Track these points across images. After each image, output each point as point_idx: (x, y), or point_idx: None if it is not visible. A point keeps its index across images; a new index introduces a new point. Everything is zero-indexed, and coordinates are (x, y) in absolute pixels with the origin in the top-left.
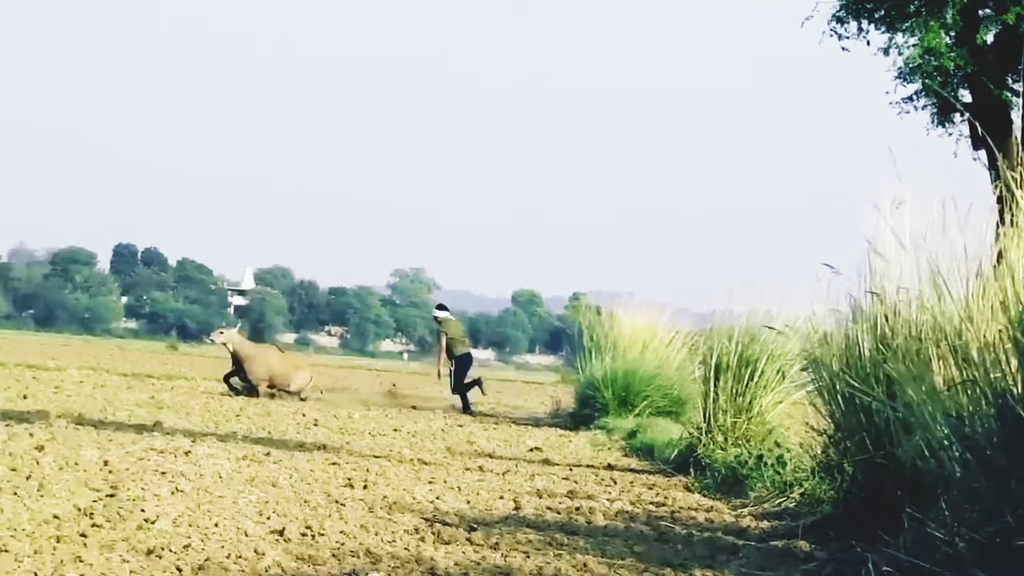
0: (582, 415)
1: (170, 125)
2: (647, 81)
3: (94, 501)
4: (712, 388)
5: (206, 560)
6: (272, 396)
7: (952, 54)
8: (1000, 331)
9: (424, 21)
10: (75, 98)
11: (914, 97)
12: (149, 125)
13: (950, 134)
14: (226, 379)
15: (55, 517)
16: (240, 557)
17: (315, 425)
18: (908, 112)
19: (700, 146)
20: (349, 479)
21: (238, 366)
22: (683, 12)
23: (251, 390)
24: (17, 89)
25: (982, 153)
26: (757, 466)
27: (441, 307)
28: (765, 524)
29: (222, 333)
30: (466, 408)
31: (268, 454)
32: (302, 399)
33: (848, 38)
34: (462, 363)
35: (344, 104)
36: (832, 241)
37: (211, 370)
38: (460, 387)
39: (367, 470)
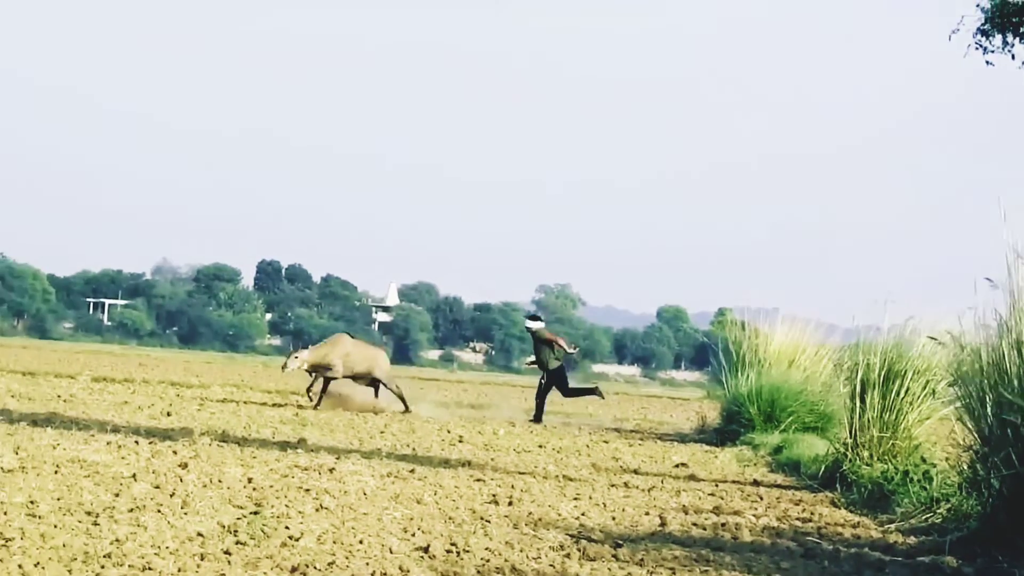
0: (728, 431)
1: (315, 143)
2: (801, 92)
3: (238, 518)
4: (858, 403)
5: None
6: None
7: None
8: None
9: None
10: (218, 118)
11: None
12: (293, 142)
13: None
14: (313, 393)
15: (199, 534)
16: (385, 574)
17: (460, 441)
18: None
19: (848, 160)
20: (494, 495)
21: (321, 372)
22: (843, 24)
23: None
24: (160, 108)
25: None
26: (903, 482)
27: (535, 317)
28: (912, 540)
29: (297, 358)
30: (538, 418)
31: (413, 471)
32: (392, 390)
33: (993, 51)
34: (554, 375)
35: (488, 119)
36: (972, 253)
37: (351, 387)
38: (540, 398)
39: (512, 486)
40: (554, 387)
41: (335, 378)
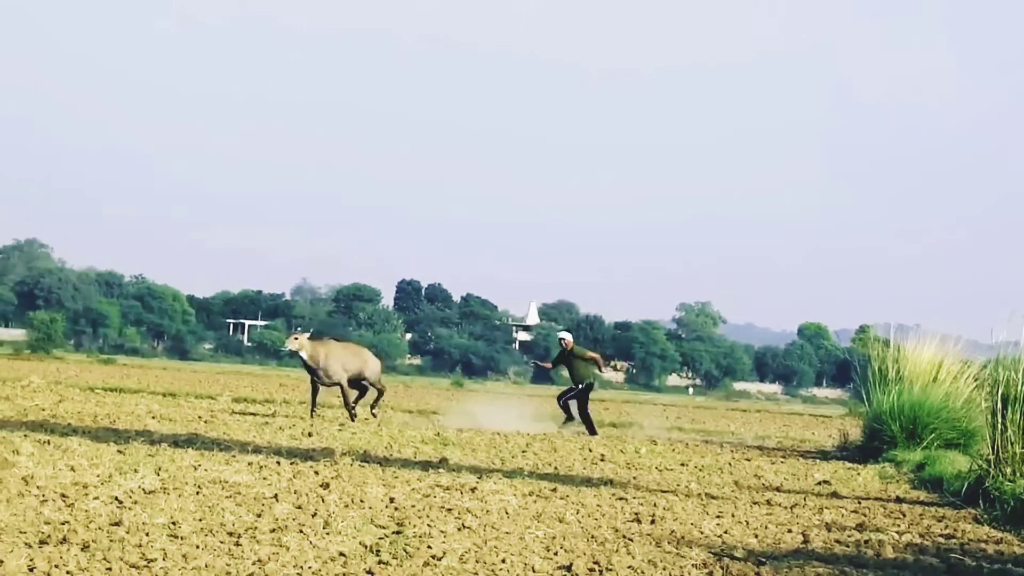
0: (870, 448)
1: (451, 164)
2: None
3: (380, 538)
4: (1000, 419)
5: None
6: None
7: None
8: None
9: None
10: (358, 142)
11: None
12: (431, 164)
13: None
14: (350, 409)
15: (341, 555)
16: None
17: (602, 460)
18: None
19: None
20: (636, 514)
21: (314, 372)
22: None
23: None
24: (301, 135)
25: None
26: None
27: (568, 330)
28: None
29: (296, 339)
30: (592, 429)
31: (555, 489)
32: (379, 389)
33: None
34: (587, 391)
35: (628, 137)
36: None
37: (496, 406)
38: (584, 414)
39: (654, 505)
40: (572, 399)
41: (329, 384)
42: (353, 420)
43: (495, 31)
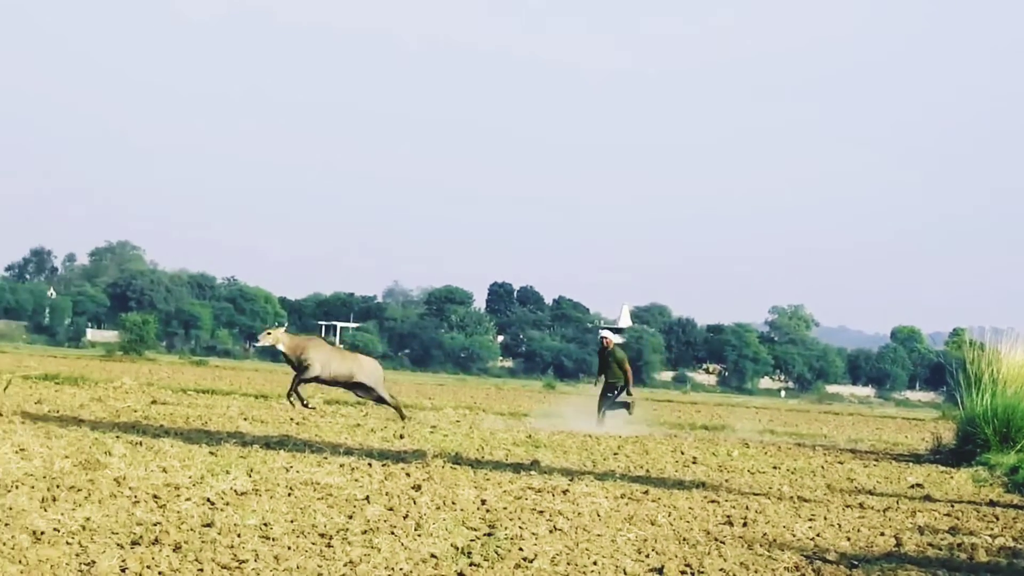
0: (963, 451)
1: (545, 167)
2: None
3: (472, 540)
4: None
5: None
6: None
7: None
8: None
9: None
10: (450, 144)
11: None
12: (523, 169)
13: None
14: (292, 391)
15: (432, 556)
16: None
17: (694, 463)
18: None
19: None
20: (728, 517)
21: (294, 364)
22: None
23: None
24: (392, 140)
25: None
26: None
27: (617, 331)
28: None
29: (269, 334)
30: (600, 415)
31: (646, 492)
32: (391, 403)
33: None
34: (611, 388)
35: (721, 143)
36: None
37: (588, 408)
38: (602, 402)
39: (746, 507)
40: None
41: (313, 379)
42: (290, 402)
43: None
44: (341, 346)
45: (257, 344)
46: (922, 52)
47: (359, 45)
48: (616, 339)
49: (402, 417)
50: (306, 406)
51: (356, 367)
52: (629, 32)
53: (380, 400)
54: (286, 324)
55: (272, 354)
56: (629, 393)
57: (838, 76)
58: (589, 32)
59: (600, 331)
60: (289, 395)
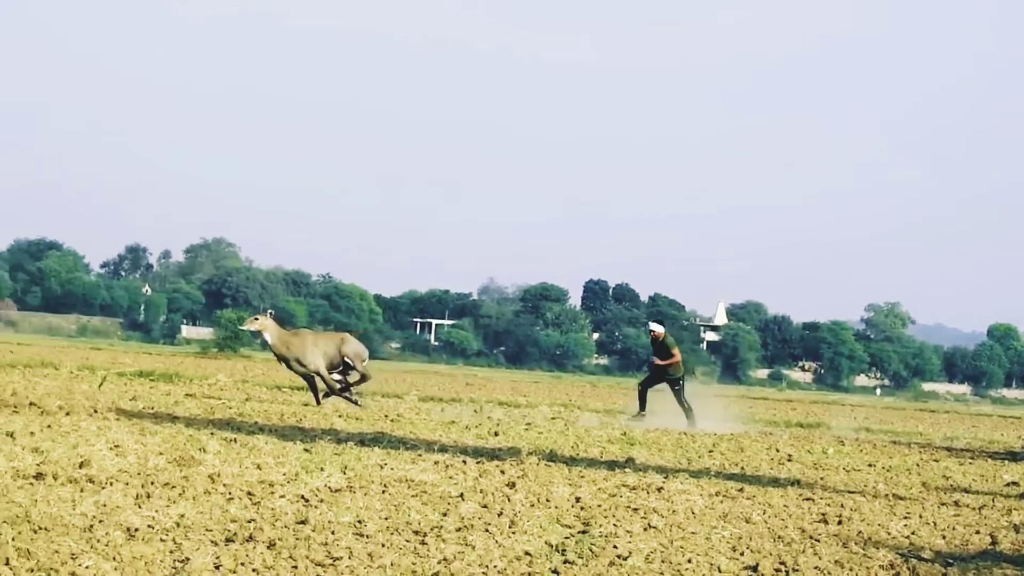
0: None
1: (640, 166)
2: None
3: (566, 538)
4: None
5: None
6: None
7: None
8: None
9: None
10: (548, 144)
11: None
12: (617, 165)
13: None
14: (341, 392)
15: (527, 554)
16: None
17: (789, 460)
18: None
19: None
20: (823, 515)
21: (287, 362)
22: None
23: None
24: (487, 141)
25: None
26: None
27: (659, 322)
28: None
29: (257, 319)
30: (688, 411)
31: (741, 490)
32: (361, 378)
33: None
34: (674, 383)
35: (820, 143)
36: None
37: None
38: (644, 391)
39: (841, 505)
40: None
41: (316, 373)
42: (356, 404)
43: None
44: (321, 328)
45: (242, 328)
46: None
47: (447, 55)
48: (661, 329)
49: (361, 380)
50: (355, 401)
51: (342, 348)
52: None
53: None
54: (272, 312)
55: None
56: (681, 380)
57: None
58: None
59: (649, 323)
60: (347, 397)
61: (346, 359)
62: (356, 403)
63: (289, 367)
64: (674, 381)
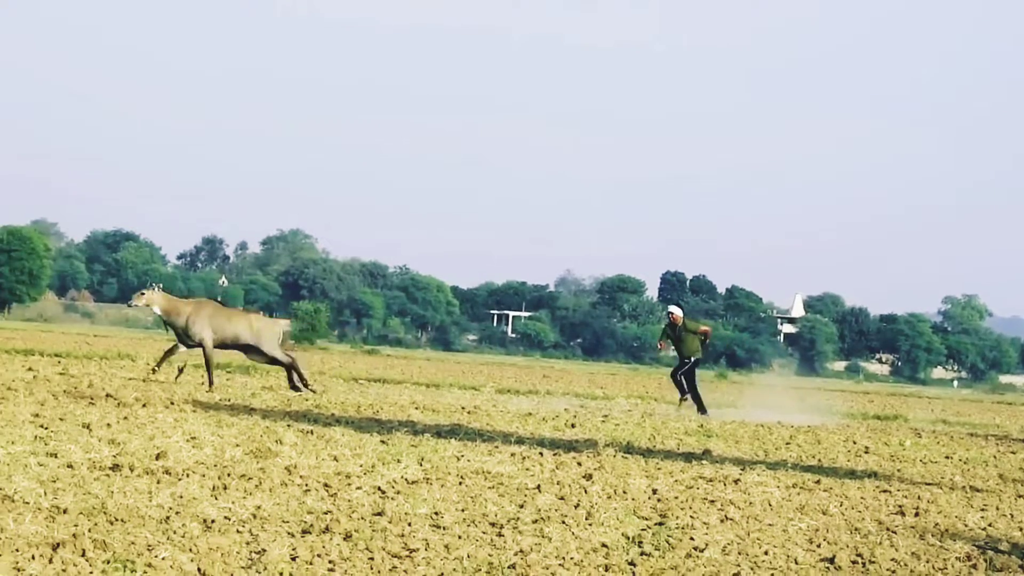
0: None
1: (718, 157)
2: None
3: (643, 529)
4: None
5: None
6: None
7: None
8: None
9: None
10: (621, 136)
11: None
12: (694, 158)
13: None
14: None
15: (603, 546)
16: None
17: (866, 452)
18: None
19: None
20: (900, 506)
21: (175, 328)
22: None
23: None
24: (568, 128)
25: None
26: None
27: (678, 305)
28: None
29: (143, 295)
30: (703, 408)
31: (818, 481)
32: (283, 362)
33: None
34: (693, 366)
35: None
36: None
37: (760, 398)
38: (693, 391)
39: (918, 497)
40: (684, 374)
41: (199, 346)
42: (211, 387)
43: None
44: (240, 307)
45: (130, 304)
46: None
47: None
48: (680, 313)
49: (294, 383)
50: (212, 384)
51: (245, 327)
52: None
53: (274, 362)
54: (161, 285)
55: (444, 342)
56: (696, 361)
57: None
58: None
59: (669, 307)
60: (210, 377)
61: (247, 340)
62: (312, 389)
63: (181, 340)
64: (685, 363)
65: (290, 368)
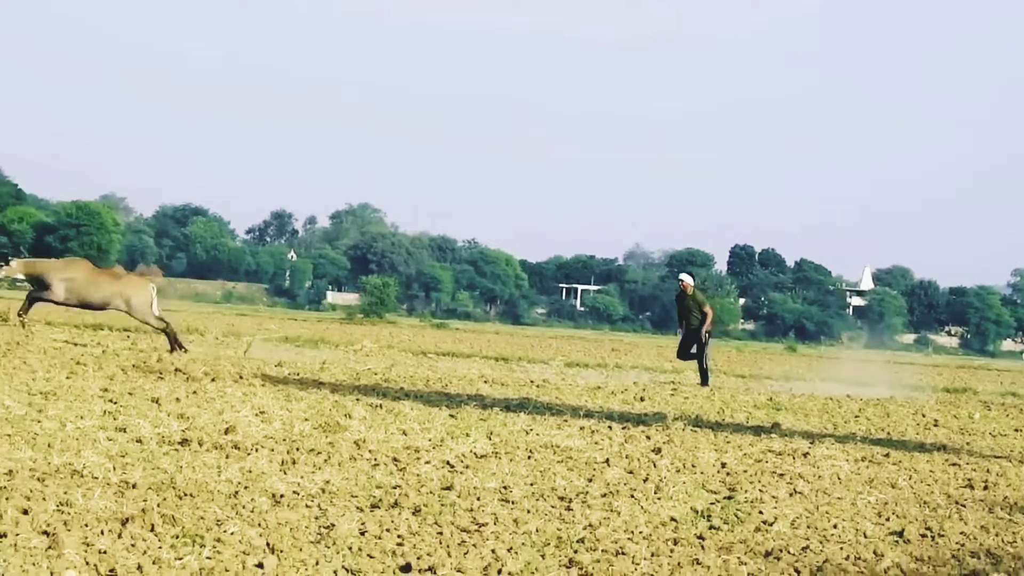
0: None
1: (788, 129)
2: None
3: (712, 503)
4: None
5: (824, 562)
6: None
7: None
8: None
9: None
10: (679, 111)
11: None
12: (764, 131)
13: None
14: (26, 307)
15: (672, 519)
16: (859, 559)
17: (935, 425)
18: None
19: None
20: (969, 480)
21: (39, 284)
22: None
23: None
24: (630, 100)
25: None
26: None
27: (690, 274)
28: None
29: (2, 268)
30: (705, 381)
31: (887, 455)
32: (155, 326)
33: None
34: (706, 337)
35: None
36: None
37: (829, 371)
38: (700, 359)
39: (987, 471)
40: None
41: (53, 301)
42: (21, 315)
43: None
44: (116, 267)
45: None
46: None
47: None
48: (691, 281)
49: (172, 346)
50: (23, 324)
51: (113, 293)
52: None
53: (146, 323)
54: (25, 254)
55: (513, 316)
56: (708, 334)
57: None
58: None
59: (680, 275)
60: (20, 313)
61: (118, 307)
62: (183, 348)
63: (39, 296)
64: (694, 332)
65: (164, 332)
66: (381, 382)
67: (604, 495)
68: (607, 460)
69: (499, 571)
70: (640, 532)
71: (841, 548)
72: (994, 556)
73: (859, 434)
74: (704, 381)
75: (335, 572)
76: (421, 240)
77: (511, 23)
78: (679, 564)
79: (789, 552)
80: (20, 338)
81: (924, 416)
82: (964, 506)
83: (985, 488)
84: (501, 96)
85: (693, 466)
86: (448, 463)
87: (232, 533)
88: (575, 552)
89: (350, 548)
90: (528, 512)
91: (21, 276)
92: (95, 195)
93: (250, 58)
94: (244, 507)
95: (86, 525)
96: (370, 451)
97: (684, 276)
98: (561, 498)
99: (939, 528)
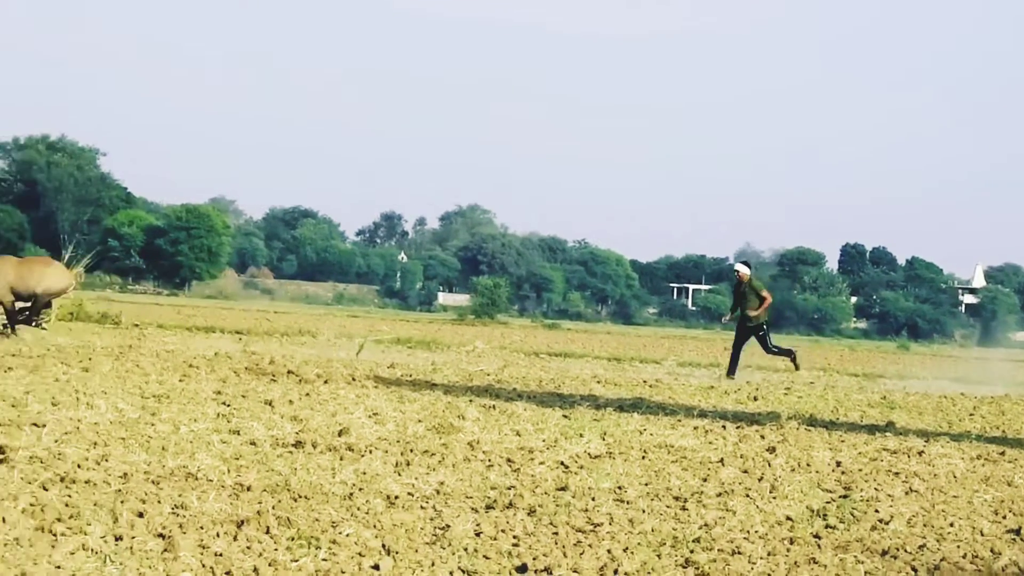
0: None
1: (895, 127)
2: None
3: (827, 502)
4: None
5: (941, 560)
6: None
7: None
8: None
9: None
10: (788, 107)
11: None
12: (872, 129)
13: None
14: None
15: (788, 518)
16: (976, 557)
17: None
18: None
19: None
20: None
21: None
22: None
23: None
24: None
25: None
26: None
27: (745, 263)
28: None
29: None
30: (732, 371)
31: (1003, 453)
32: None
33: None
34: (756, 328)
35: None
36: None
37: (942, 369)
38: (736, 350)
39: None
40: (756, 341)
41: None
42: (37, 325)
43: None
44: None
45: None
46: None
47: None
48: (747, 271)
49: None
50: (34, 323)
51: (37, 280)
52: None
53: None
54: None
55: (624, 316)
56: (764, 325)
57: None
58: None
59: (735, 264)
60: (24, 322)
61: (37, 292)
62: (41, 326)
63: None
64: (757, 328)
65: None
66: (494, 383)
67: (719, 495)
68: (721, 460)
69: (615, 571)
70: (756, 531)
71: (958, 546)
72: None
73: (974, 432)
74: (731, 371)
75: (451, 573)
76: (531, 240)
77: (633, 27)
78: (795, 563)
79: (906, 551)
80: (133, 341)
81: None
82: None
83: None
84: (607, 99)
85: (808, 465)
86: (562, 463)
87: (347, 535)
88: (691, 552)
89: (465, 549)
90: (643, 512)
91: None
92: (205, 198)
93: (360, 63)
94: (359, 509)
95: (201, 527)
96: (484, 452)
97: (739, 266)
98: (676, 498)
99: None
